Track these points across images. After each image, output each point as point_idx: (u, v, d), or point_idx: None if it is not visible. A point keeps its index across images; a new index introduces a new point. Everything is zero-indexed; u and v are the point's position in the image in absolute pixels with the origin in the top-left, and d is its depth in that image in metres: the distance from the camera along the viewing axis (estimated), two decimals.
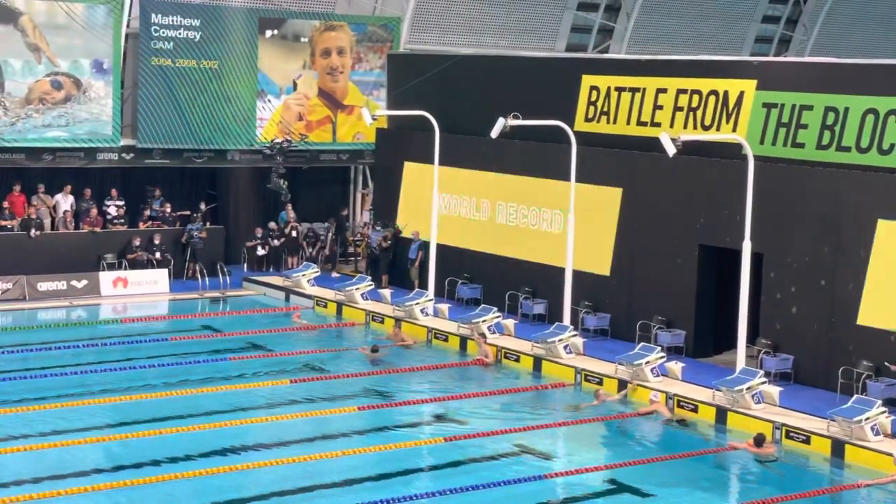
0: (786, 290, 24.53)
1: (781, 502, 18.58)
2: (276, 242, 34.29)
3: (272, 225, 34.61)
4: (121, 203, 33.43)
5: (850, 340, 23.14)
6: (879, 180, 23.18)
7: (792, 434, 21.29)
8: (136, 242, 32.44)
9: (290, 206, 34.84)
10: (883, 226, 23.07)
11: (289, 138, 34.64)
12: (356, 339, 28.21)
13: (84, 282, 31.30)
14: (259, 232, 34.41)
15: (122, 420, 21.28)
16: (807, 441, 21.11)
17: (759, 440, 20.68)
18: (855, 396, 21.59)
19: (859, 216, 23.41)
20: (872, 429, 20.64)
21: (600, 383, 24.23)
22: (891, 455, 19.74)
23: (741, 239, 23.32)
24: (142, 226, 33.31)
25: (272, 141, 34.40)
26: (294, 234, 34.69)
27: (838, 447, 20.73)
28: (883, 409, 20.96)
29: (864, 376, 22.62)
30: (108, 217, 33.05)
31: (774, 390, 22.61)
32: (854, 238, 23.46)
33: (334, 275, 33.52)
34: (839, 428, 20.94)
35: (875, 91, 23.59)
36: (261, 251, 34.19)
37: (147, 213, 33.62)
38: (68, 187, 32.89)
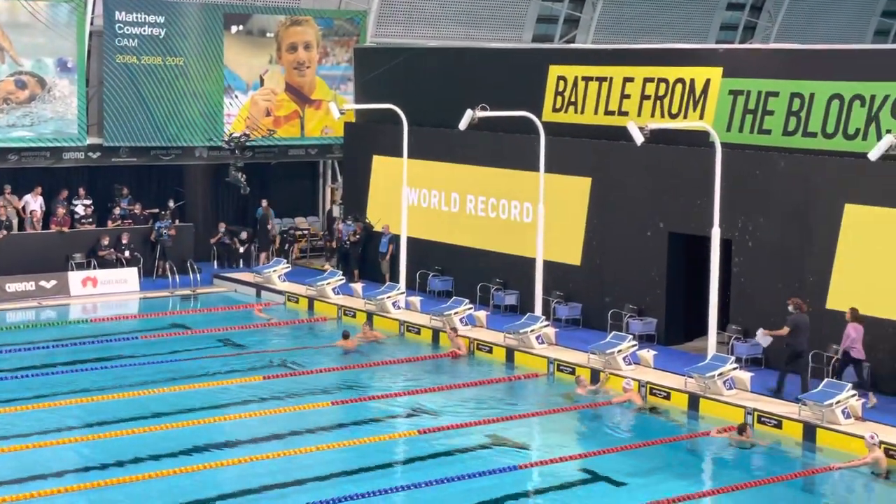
0: (755, 275, 24.66)
1: (755, 487, 18.70)
2: (241, 249, 34.19)
3: (244, 235, 34.44)
4: (88, 202, 33.26)
5: (819, 325, 23.25)
6: (846, 165, 23.31)
7: (763, 419, 21.41)
8: (105, 241, 32.27)
9: (265, 202, 34.72)
10: (850, 210, 23.22)
11: (247, 132, 34.47)
12: (328, 335, 28.16)
13: (53, 282, 31.12)
14: (222, 227, 34.28)
15: (95, 420, 21.15)
16: (778, 426, 21.23)
17: (742, 428, 20.82)
18: (825, 380, 21.71)
19: (826, 201, 23.54)
20: (843, 412, 20.77)
21: (573, 373, 24.30)
22: (862, 438, 19.87)
23: (710, 226, 23.41)
24: (110, 224, 33.15)
25: (230, 135, 34.26)
26: (270, 228, 34.61)
27: (810, 431, 20.86)
28: (853, 392, 21.09)
29: (834, 360, 22.76)
30: (76, 216, 32.87)
31: (746, 376, 22.71)
32: (821, 223, 23.59)
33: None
34: (810, 412, 21.08)
35: (839, 76, 23.73)
36: (226, 240, 34.09)
37: (116, 211, 33.45)
38: (38, 188, 32.67)
